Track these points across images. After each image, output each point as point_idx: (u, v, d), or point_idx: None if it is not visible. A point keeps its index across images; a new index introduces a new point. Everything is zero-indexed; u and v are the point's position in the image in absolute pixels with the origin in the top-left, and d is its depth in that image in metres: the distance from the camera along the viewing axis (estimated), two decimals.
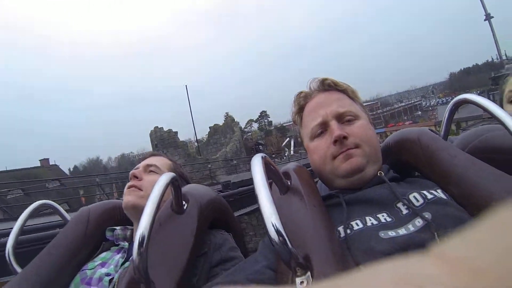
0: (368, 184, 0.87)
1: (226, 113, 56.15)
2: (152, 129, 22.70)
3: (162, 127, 22.51)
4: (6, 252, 1.16)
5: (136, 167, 1.25)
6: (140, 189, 1.16)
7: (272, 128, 60.69)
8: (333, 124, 0.89)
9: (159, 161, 1.27)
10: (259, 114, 61.87)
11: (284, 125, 64.30)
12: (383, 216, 0.76)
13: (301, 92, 1.03)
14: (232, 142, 22.21)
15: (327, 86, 0.98)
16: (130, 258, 1.03)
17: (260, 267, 0.76)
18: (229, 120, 26.02)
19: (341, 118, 0.91)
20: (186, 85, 22.97)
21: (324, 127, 0.92)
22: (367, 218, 0.76)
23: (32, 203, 1.28)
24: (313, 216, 0.75)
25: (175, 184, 0.91)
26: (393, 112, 62.81)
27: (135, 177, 1.19)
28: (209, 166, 15.92)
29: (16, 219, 1.24)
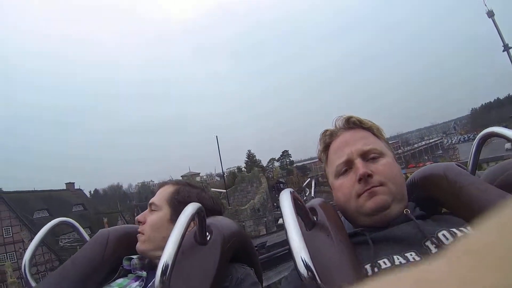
0: (394, 222, 0.86)
1: (248, 150, 57.55)
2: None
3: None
4: (23, 265, 1.17)
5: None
6: (143, 233, 1.15)
7: (293, 167, 60.73)
8: (358, 162, 0.89)
9: (159, 195, 1.24)
10: (281, 154, 62.41)
11: (305, 164, 64.28)
12: (411, 255, 0.75)
13: (326, 130, 1.04)
14: (260, 193, 22.78)
15: (352, 124, 0.99)
16: (149, 286, 1.05)
17: None
18: (256, 172, 27.08)
19: (366, 156, 0.91)
20: (216, 136, 23.91)
21: (349, 165, 0.92)
22: (394, 257, 0.75)
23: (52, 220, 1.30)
24: (340, 252, 0.75)
25: (200, 215, 0.91)
26: (413, 151, 61.64)
27: (139, 222, 1.19)
28: (243, 223, 16.83)
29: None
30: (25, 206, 25.16)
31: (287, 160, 61.55)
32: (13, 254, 21.49)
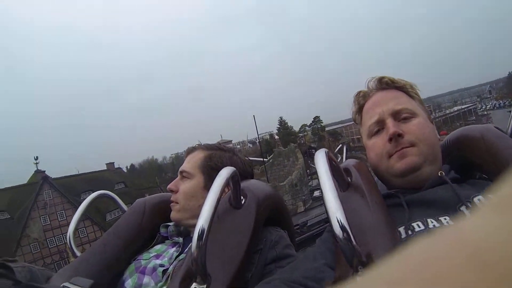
0: (429, 185, 0.83)
1: (280, 117, 57.55)
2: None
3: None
4: (68, 237, 1.23)
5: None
6: (177, 203, 1.14)
7: (325, 132, 60.33)
8: (389, 122, 0.87)
9: (190, 162, 1.21)
10: (313, 119, 61.88)
11: (336, 129, 63.72)
12: (445, 219, 0.73)
13: (360, 92, 1.02)
14: (297, 169, 23.02)
15: (384, 84, 0.97)
16: (186, 251, 1.04)
17: (318, 265, 0.74)
18: (292, 147, 28.42)
19: (397, 116, 0.89)
20: (254, 115, 23.85)
21: (381, 125, 0.91)
22: (428, 220, 0.74)
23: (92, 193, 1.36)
24: (375, 214, 0.73)
25: (234, 179, 0.90)
26: (445, 117, 59.22)
27: (172, 190, 1.17)
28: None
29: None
30: (73, 190, 27.10)
31: (319, 126, 61.05)
32: None
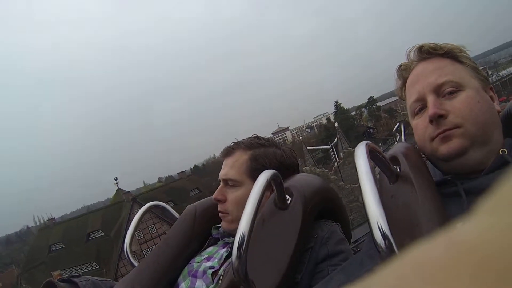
0: (490, 168, 0.73)
1: (335, 101, 57.18)
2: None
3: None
4: (124, 248, 1.29)
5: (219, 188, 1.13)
6: (227, 213, 1.09)
7: (380, 112, 59.06)
8: (430, 100, 0.78)
9: (233, 167, 1.10)
10: (367, 100, 60.36)
11: (390, 105, 61.98)
12: None
13: (401, 65, 0.92)
14: None
15: (425, 53, 0.85)
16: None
17: (365, 272, 0.69)
18: None
19: (440, 91, 0.79)
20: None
21: (423, 103, 0.82)
22: None
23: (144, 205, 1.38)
24: (427, 212, 0.67)
25: (276, 181, 0.86)
26: (504, 80, 47.00)
27: (219, 200, 1.11)
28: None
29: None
30: None
31: (374, 106, 59.35)
32: None
